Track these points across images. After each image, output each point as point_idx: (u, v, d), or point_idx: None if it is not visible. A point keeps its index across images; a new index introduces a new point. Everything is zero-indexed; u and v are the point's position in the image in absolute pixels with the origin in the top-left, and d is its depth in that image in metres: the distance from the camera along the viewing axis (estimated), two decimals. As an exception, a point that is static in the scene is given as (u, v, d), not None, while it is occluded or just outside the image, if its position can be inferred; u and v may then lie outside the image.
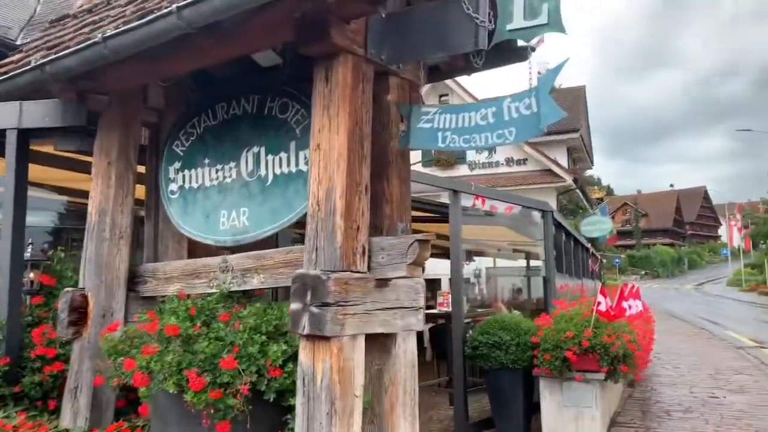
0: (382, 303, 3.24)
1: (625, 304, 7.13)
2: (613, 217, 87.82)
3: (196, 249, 4.39)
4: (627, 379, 6.26)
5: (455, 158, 30.55)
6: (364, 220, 3.20)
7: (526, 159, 29.66)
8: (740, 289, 51.25)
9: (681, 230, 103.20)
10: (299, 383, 3.00)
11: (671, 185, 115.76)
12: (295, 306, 2.99)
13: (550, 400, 6.43)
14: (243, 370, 3.17)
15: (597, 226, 29.14)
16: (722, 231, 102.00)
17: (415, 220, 8.99)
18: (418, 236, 3.14)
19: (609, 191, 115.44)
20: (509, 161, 30.00)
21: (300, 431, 2.94)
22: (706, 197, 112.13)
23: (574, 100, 36.10)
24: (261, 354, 3.19)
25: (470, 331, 6.89)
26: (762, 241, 57.94)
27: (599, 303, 6.24)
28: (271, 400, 3.15)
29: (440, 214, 7.71)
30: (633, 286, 11.37)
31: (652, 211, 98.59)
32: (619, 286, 8.26)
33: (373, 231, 3.44)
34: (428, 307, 9.02)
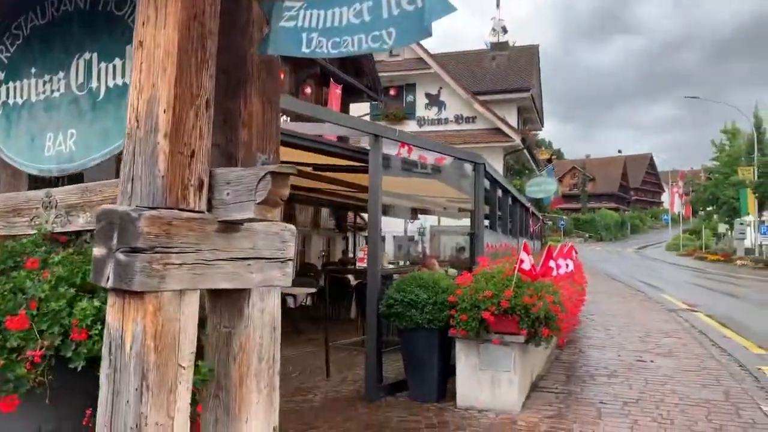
0: (229, 252, 2.58)
1: (552, 264, 6.67)
2: (561, 181, 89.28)
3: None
4: (548, 342, 5.84)
5: (404, 113, 29.84)
6: (203, 144, 2.50)
7: (476, 117, 29.17)
8: (678, 254, 52.85)
9: (626, 195, 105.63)
10: (105, 350, 2.33)
11: (619, 151, 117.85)
12: (98, 252, 2.30)
13: (465, 363, 5.96)
14: (43, 330, 2.48)
15: (542, 187, 29.13)
16: (665, 197, 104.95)
17: (337, 168, 8.38)
18: (272, 167, 2.46)
19: (559, 155, 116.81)
20: (458, 118, 29.48)
21: (102, 410, 2.29)
22: (652, 164, 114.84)
23: (527, 59, 35.62)
24: (68, 311, 2.51)
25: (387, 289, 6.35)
26: (701, 208, 59.57)
27: (522, 261, 5.74)
28: (79, 368, 2.48)
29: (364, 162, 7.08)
30: (565, 246, 11.07)
31: (600, 176, 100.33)
32: (550, 246, 7.82)
33: (226, 161, 2.76)
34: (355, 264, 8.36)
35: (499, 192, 9.84)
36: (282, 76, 18.89)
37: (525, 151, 29.93)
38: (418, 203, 11.74)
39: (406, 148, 7.19)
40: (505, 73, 34.01)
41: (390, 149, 6.89)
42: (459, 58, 36.47)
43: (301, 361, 8.33)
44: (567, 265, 8.35)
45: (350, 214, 21.56)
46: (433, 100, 29.96)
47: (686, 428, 5.43)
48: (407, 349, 6.30)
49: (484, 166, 7.83)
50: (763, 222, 38.58)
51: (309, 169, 8.43)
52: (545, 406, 6.07)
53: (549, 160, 48.73)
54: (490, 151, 27.97)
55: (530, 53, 36.63)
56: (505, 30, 37.71)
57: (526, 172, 31.80)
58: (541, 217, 21.54)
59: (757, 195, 37.80)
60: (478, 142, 28.16)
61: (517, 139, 28.03)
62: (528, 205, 16.19)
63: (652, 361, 8.44)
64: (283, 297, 10.91)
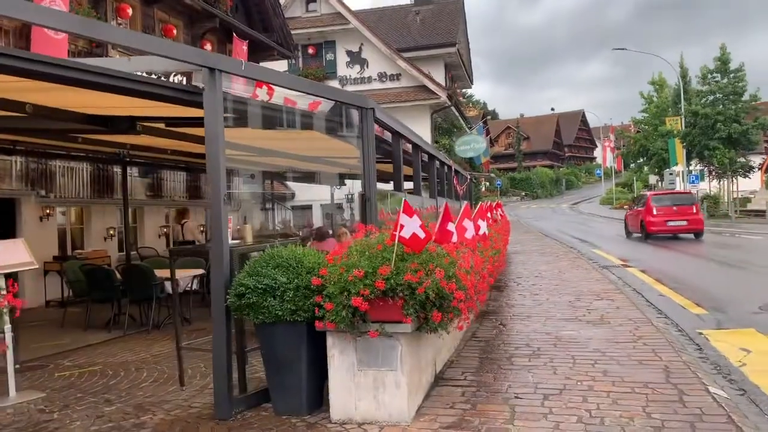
0: None
1: (452, 227, 5.30)
2: (496, 141, 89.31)
3: None
4: (446, 328, 4.51)
5: (324, 73, 28.01)
6: None
7: (400, 74, 27.67)
8: (611, 207, 53.35)
9: (560, 152, 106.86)
10: None
11: (552, 109, 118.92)
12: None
13: (340, 363, 4.56)
14: None
15: (471, 145, 28.03)
16: (597, 153, 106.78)
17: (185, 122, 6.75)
18: None
19: (494, 115, 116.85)
20: (382, 76, 27.90)
21: None
22: (584, 120, 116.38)
23: (453, 13, 34.17)
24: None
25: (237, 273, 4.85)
26: (632, 161, 60.21)
27: (402, 227, 4.33)
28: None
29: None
30: (485, 205, 9.82)
31: (534, 134, 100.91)
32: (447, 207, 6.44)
33: None
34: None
35: (402, 144, 8.40)
36: (174, 31, 16.89)
37: (453, 108, 28.68)
38: (288, 161, 10.14)
39: (265, 88, 5.64)
40: (429, 29, 32.49)
41: (243, 90, 5.33)
42: (381, 14, 34.72)
43: (166, 363, 6.80)
44: (482, 226, 7.05)
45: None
46: (355, 58, 28.24)
47: (619, 429, 4.21)
48: (268, 350, 4.84)
49: (374, 111, 6.35)
50: (690, 171, 38.84)
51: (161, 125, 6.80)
52: (446, 409, 4.75)
53: (484, 121, 47.82)
54: (416, 110, 26.68)
55: (455, 7, 35.17)
56: (428, -17, 36.07)
57: (455, 130, 30.61)
58: (467, 176, 20.36)
59: (684, 144, 37.89)
60: (404, 101, 26.77)
61: (443, 96, 26.72)
62: (449, 162, 14.88)
63: (580, 333, 7.29)
64: (163, 283, 9.34)
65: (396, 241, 4.35)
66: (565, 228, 30.77)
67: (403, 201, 4.42)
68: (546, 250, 18.92)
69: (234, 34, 18.55)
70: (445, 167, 14.42)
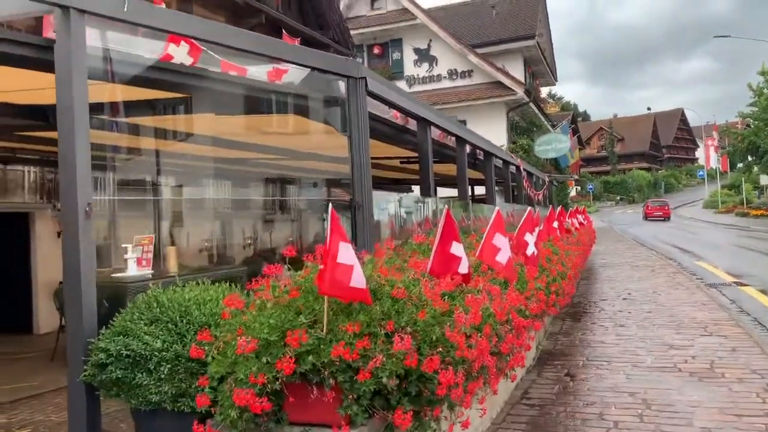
0: None
1: (458, 249, 3.32)
2: (588, 143, 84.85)
3: None
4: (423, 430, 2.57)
5: (391, 73, 26.29)
6: None
7: (472, 71, 25.53)
8: (716, 211, 48.62)
9: (658, 154, 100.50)
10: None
11: (648, 108, 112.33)
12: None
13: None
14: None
15: (553, 145, 25.48)
16: (699, 153, 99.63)
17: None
18: None
19: (585, 117, 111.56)
20: (452, 74, 25.86)
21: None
22: (684, 119, 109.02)
23: (531, 3, 31.59)
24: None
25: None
26: (740, 160, 54.74)
27: (332, 250, 2.40)
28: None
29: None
30: (552, 213, 7.69)
31: (628, 135, 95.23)
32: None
33: None
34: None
35: (429, 131, 6.42)
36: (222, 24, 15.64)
37: (532, 105, 26.18)
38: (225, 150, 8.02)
39: (185, 45, 3.89)
40: (506, 22, 30.11)
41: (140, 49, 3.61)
42: (455, 10, 32.66)
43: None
44: (527, 245, 4.96)
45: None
46: (423, 56, 26.35)
47: None
48: (147, 451, 3.04)
49: (366, 82, 4.45)
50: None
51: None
52: None
53: (571, 120, 44.58)
54: (490, 108, 24.50)
55: (535, -3, 32.57)
56: (505, -26, 33.66)
57: (535, 129, 28.04)
58: (545, 179, 17.97)
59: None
60: (476, 99, 24.64)
61: (519, 92, 24.32)
62: (515, 161, 12.69)
63: (682, 394, 5.06)
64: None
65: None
66: (664, 235, 27.45)
67: (330, 210, 2.48)
68: (639, 263, 16.23)
69: (283, 31, 17.14)
70: (511, 167, 12.28)
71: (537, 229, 5.51)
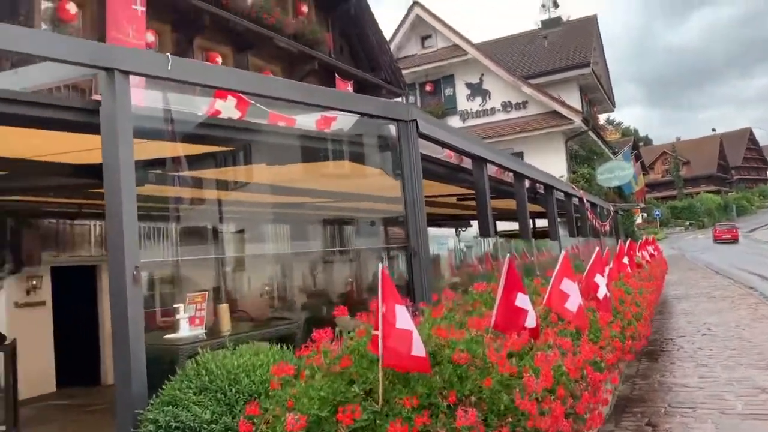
0: None
1: (523, 301, 3.06)
2: (651, 168, 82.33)
3: None
4: None
5: (444, 109, 26.26)
6: None
7: (526, 102, 25.22)
8: (796, 234, 45.92)
9: (726, 176, 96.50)
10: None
11: (713, 130, 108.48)
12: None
13: None
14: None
15: (615, 173, 24.74)
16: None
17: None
18: None
19: (647, 142, 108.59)
20: (506, 106, 25.61)
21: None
22: (752, 139, 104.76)
23: (585, 32, 31.18)
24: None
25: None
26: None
27: (388, 312, 2.21)
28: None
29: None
30: (623, 245, 7.29)
31: (694, 158, 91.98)
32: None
33: None
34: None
35: (483, 169, 6.19)
36: (269, 75, 15.97)
37: (591, 133, 25.57)
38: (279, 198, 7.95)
39: (232, 99, 3.83)
40: (559, 52, 29.74)
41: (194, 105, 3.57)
42: (505, 43, 32.57)
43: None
44: (599, 287, 4.62)
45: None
46: (475, 90, 26.24)
47: None
48: None
49: (417, 125, 4.30)
50: None
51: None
52: None
53: (632, 146, 43.41)
54: (547, 138, 24.09)
55: (587, 26, 32.15)
56: (555, 4, 33.48)
57: (595, 157, 27.31)
58: (610, 209, 17.34)
59: None
60: (533, 130, 24.28)
61: (577, 121, 23.81)
62: (579, 194, 12.26)
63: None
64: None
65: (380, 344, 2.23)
66: (740, 262, 26.01)
67: (380, 270, 2.28)
68: (716, 293, 15.33)
69: (336, 75, 17.37)
70: (573, 199, 11.87)
71: (607, 268, 5.17)
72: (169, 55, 3.12)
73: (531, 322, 3.01)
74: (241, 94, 3.78)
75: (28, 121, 3.25)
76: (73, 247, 10.67)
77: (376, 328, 2.24)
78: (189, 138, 3.75)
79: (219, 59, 13.92)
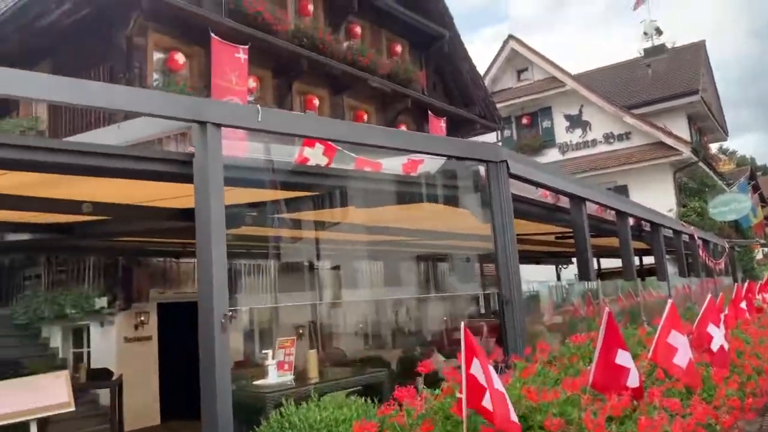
0: None
1: (624, 358, 2.82)
2: (772, 200, 76.55)
3: None
4: None
5: (542, 142, 25.72)
6: None
7: (630, 133, 24.27)
8: None
9: None
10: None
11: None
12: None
13: None
14: None
15: (731, 206, 23.13)
16: None
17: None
18: None
19: (766, 170, 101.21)
20: (608, 137, 24.74)
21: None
22: None
23: (692, 58, 29.71)
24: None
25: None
26: None
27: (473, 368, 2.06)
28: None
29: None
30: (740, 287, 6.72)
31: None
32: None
33: None
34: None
35: (581, 208, 5.89)
36: (365, 116, 16.26)
37: (701, 164, 24.13)
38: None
39: (320, 147, 3.84)
40: (664, 80, 28.46)
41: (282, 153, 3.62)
42: (605, 73, 31.59)
43: None
44: (712, 338, 4.21)
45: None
46: (575, 122, 25.53)
47: None
48: None
49: (507, 165, 4.16)
50: None
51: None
52: None
53: (750, 176, 40.56)
54: (653, 170, 22.99)
55: (695, 52, 30.61)
56: (659, 31, 32.16)
57: (707, 189, 25.67)
58: (725, 246, 16.16)
59: None
60: (637, 162, 23.24)
61: (686, 151, 22.56)
62: (689, 231, 11.49)
63: None
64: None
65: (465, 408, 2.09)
66: None
67: (462, 329, 2.14)
68: None
69: (429, 112, 17.44)
70: (683, 236, 11.14)
71: (722, 315, 4.72)
72: (259, 107, 3.18)
73: (633, 381, 2.75)
74: (326, 141, 3.81)
75: (129, 174, 3.41)
76: (178, 284, 11.17)
77: (461, 390, 2.10)
78: (279, 185, 3.80)
79: (316, 101, 14.35)
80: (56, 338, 11.12)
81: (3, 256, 10.90)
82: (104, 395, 9.32)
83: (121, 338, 10.17)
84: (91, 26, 10.75)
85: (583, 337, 3.63)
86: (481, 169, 4.25)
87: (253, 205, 4.88)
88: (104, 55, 10.84)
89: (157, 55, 11.36)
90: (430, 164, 4.23)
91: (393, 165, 4.22)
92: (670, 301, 3.53)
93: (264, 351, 4.47)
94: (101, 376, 8.47)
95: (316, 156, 3.87)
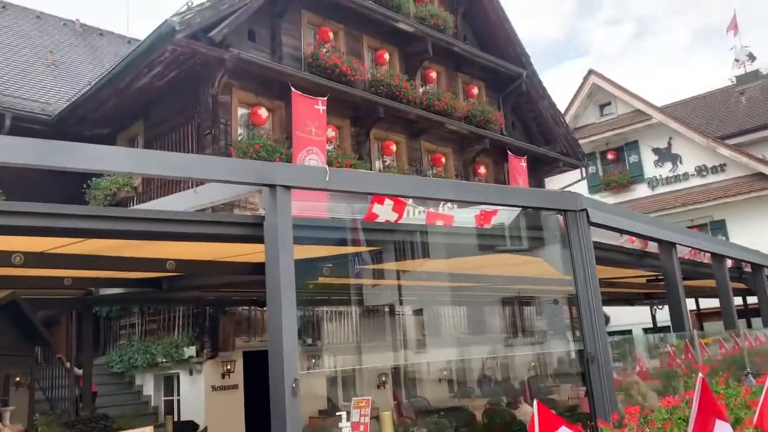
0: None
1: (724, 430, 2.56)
2: None
3: None
4: None
5: (629, 177, 24.78)
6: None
7: (725, 164, 22.99)
8: None
9: None
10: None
11: None
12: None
13: None
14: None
15: None
16: None
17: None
18: None
19: None
20: (702, 170, 23.52)
21: None
22: None
23: (790, 82, 28.01)
24: None
25: None
26: None
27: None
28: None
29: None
30: None
31: None
32: None
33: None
34: None
35: (686, 252, 5.55)
36: (443, 159, 16.20)
37: (808, 195, 22.42)
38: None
39: (390, 202, 3.79)
40: (759, 107, 26.93)
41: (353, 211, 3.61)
42: (694, 103, 30.26)
43: None
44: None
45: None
46: (664, 155, 24.47)
47: None
48: None
49: (587, 214, 3.98)
50: None
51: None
52: None
53: None
54: (755, 203, 21.62)
55: (793, 75, 28.87)
56: (752, 57, 30.63)
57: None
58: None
59: None
60: (735, 194, 21.91)
61: (789, 182, 21.08)
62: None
63: None
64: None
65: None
66: None
67: (536, 405, 1.99)
68: None
69: (508, 152, 17.22)
70: None
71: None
72: (327, 168, 3.20)
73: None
74: (396, 197, 3.77)
75: (201, 237, 3.50)
76: (263, 332, 11.37)
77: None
78: (347, 241, 3.80)
79: (393, 147, 14.48)
80: (149, 386, 11.52)
81: (100, 307, 11.47)
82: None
83: (209, 387, 10.39)
84: (179, 87, 11.37)
85: (677, 399, 3.34)
86: (560, 218, 4.08)
87: (328, 259, 4.91)
88: (192, 113, 11.42)
89: (241, 111, 11.85)
90: (505, 215, 4.10)
91: (465, 218, 4.13)
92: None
93: (338, 413, 4.38)
94: (186, 429, 8.66)
95: (385, 212, 3.84)
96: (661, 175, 24.48)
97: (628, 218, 4.63)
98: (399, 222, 3.92)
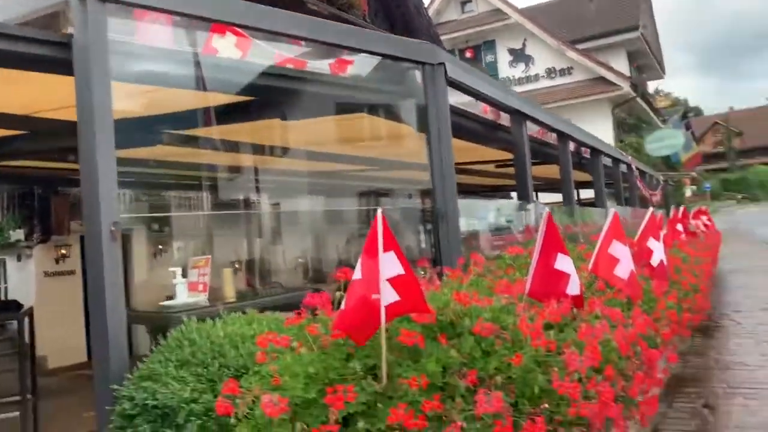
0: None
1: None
2: (702, 140, 79.24)
3: None
4: None
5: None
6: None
7: (571, 67, 24.20)
8: None
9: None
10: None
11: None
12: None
13: None
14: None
15: (666, 142, 23.61)
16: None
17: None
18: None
19: (697, 112, 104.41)
20: (551, 72, 24.63)
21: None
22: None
23: (634, -7, 29.65)
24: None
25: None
26: None
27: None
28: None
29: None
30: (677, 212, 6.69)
31: (748, 130, 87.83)
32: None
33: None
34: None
35: (534, 132, 5.66)
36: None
37: (639, 100, 24.41)
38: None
39: (231, 36, 3.36)
40: (606, 16, 28.39)
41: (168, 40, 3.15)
42: (550, 7, 31.25)
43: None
44: (653, 252, 4.09)
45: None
46: (518, 56, 25.29)
47: None
48: None
49: (445, 69, 3.80)
50: None
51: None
52: None
53: (684, 115, 41.56)
54: (593, 106, 23.09)
55: (637, -13, 30.56)
56: (604, -35, 31.88)
57: (644, 126, 26.12)
58: (660, 178, 16.46)
59: None
60: (578, 97, 23.30)
61: (625, 87, 22.73)
62: (627, 160, 11.53)
63: None
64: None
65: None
66: (799, 235, 24.61)
67: (378, 213, 1.83)
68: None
69: (371, 40, 16.76)
70: (621, 166, 11.16)
71: (662, 234, 4.60)
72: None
73: (574, 288, 2.54)
74: (240, 29, 3.32)
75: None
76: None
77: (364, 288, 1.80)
78: (179, 82, 3.33)
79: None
80: (-30, 273, 10.39)
81: None
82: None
83: (41, 272, 9.56)
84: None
85: (520, 249, 3.42)
86: (418, 73, 3.89)
87: (163, 120, 4.35)
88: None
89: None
90: (361, 66, 3.82)
91: (319, 65, 3.79)
92: (612, 210, 3.32)
93: (171, 269, 4.04)
94: (9, 307, 7.93)
95: (226, 47, 3.38)
96: (514, 76, 25.38)
97: (485, 81, 4.56)
98: (243, 60, 3.47)
